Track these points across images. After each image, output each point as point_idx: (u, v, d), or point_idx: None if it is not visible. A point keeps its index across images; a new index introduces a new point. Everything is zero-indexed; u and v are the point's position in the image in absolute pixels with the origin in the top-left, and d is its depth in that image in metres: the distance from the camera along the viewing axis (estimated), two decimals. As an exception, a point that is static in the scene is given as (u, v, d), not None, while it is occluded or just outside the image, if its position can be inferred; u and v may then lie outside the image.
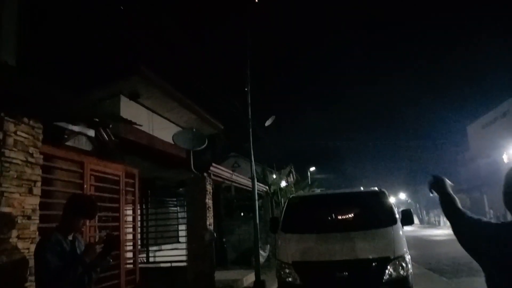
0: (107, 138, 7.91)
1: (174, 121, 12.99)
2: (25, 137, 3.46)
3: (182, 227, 10.56)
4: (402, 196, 55.12)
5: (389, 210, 6.11)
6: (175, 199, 11.72)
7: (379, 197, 6.43)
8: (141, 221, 9.62)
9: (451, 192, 1.92)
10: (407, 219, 5.94)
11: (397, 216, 6.01)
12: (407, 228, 6.07)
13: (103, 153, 7.97)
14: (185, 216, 9.57)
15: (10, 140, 3.29)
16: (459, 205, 1.87)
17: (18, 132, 3.38)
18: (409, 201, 54.17)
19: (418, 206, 51.81)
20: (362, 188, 8.00)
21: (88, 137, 7.45)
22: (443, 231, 30.59)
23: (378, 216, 6.11)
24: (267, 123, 11.51)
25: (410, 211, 6.15)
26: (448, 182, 1.96)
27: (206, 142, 8.60)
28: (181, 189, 10.90)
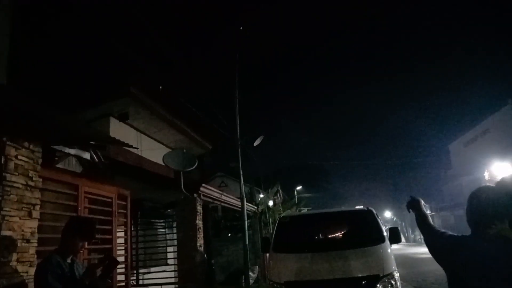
0: (97, 160, 7.97)
1: (163, 142, 13.04)
2: (25, 161, 3.53)
3: (171, 249, 10.50)
4: (388, 214, 55.59)
5: (377, 228, 6.26)
6: (163, 221, 11.68)
7: (367, 216, 6.59)
8: (130, 242, 9.55)
9: (424, 210, 2.34)
10: (394, 237, 6.09)
11: (385, 234, 6.16)
12: (393, 246, 6.22)
13: (94, 175, 8.01)
14: (174, 237, 9.54)
15: (11, 165, 3.36)
16: (430, 221, 2.27)
17: (19, 157, 3.45)
18: (394, 219, 54.60)
19: (403, 224, 52.25)
20: (349, 207, 8.15)
21: (79, 159, 7.50)
22: (429, 248, 30.71)
23: (367, 235, 6.26)
24: (256, 143, 11.68)
25: (397, 229, 6.31)
26: (422, 202, 2.38)
27: (197, 163, 8.70)
28: (169, 210, 10.89)
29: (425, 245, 2.22)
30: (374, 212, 6.72)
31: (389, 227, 6.79)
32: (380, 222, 6.57)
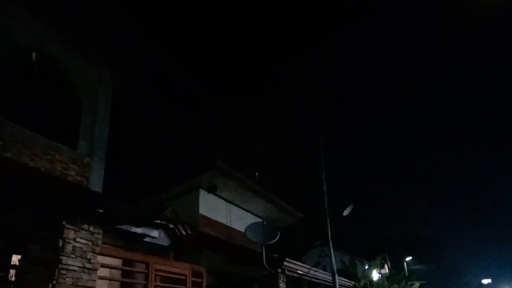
0: (184, 233, 8.12)
1: (252, 211, 13.02)
2: (84, 244, 3.63)
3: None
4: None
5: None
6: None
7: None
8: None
9: None
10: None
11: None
12: None
13: (178, 248, 8.13)
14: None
15: (68, 248, 3.47)
16: None
17: (77, 239, 3.57)
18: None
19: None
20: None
21: (166, 232, 7.72)
22: None
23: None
24: (346, 212, 10.95)
25: None
26: None
27: (278, 236, 8.34)
28: (256, 286, 10.45)
29: None
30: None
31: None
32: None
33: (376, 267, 19.59)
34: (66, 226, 3.48)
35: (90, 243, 3.70)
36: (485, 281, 44.54)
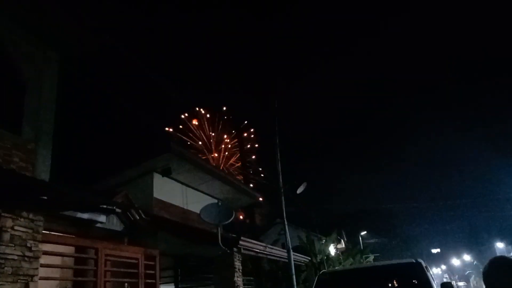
0: (137, 218, 8.03)
1: (209, 193, 13.03)
2: (23, 232, 3.53)
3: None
4: (467, 257, 50.07)
5: (426, 284, 5.48)
6: (211, 275, 11.35)
7: (415, 270, 5.81)
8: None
9: None
10: (447, 294, 5.28)
11: (436, 291, 5.36)
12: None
13: (132, 233, 8.04)
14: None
15: (6, 236, 3.36)
16: None
17: (16, 227, 3.46)
18: (475, 262, 48.94)
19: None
20: (399, 260, 7.35)
21: (119, 217, 7.62)
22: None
23: (415, 292, 5.49)
24: (299, 190, 11.23)
25: (451, 284, 5.48)
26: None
27: (233, 216, 8.46)
28: (213, 267, 10.58)
29: None
30: (424, 264, 5.93)
31: (444, 281, 5.94)
32: (431, 276, 5.76)
33: (332, 242, 20.31)
34: (2, 214, 3.36)
35: (30, 231, 3.59)
36: (434, 251, 47.60)
